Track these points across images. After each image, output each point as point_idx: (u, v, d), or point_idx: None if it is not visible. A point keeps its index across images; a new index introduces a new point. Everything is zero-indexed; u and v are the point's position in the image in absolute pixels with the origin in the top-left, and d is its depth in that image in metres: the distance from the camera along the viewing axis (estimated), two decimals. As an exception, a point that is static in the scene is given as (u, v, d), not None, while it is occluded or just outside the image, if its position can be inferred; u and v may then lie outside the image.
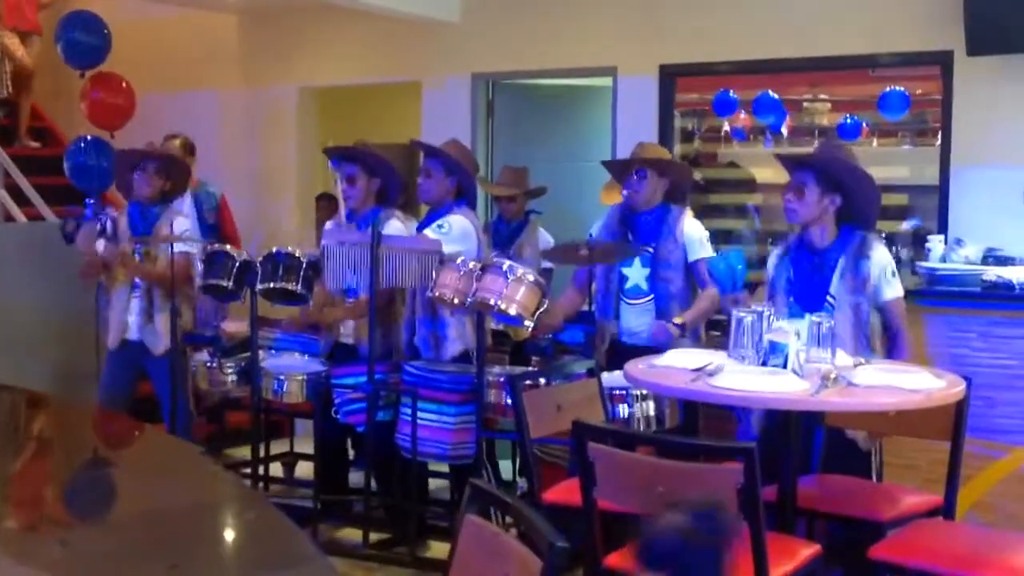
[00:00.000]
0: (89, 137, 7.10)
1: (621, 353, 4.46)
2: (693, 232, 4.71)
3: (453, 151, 5.03)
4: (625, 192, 4.77)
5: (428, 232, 4.79)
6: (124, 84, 7.23)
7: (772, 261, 4.03)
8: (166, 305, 5.25)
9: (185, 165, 5.61)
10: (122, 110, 7.18)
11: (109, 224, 5.38)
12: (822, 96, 7.11)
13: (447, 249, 4.58)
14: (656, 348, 4.35)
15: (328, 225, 5.29)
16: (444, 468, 5.27)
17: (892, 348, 3.86)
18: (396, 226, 4.97)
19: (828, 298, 3.81)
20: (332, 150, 5.26)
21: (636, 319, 4.72)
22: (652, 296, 4.70)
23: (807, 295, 3.83)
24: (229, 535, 2.28)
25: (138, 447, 2.77)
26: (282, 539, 2.14)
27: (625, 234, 4.79)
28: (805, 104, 7.19)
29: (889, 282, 3.85)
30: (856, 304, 3.80)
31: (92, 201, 5.65)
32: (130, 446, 2.81)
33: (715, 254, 4.72)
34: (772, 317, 3.33)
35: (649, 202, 4.75)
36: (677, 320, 4.54)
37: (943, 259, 5.29)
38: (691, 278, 4.73)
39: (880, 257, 3.84)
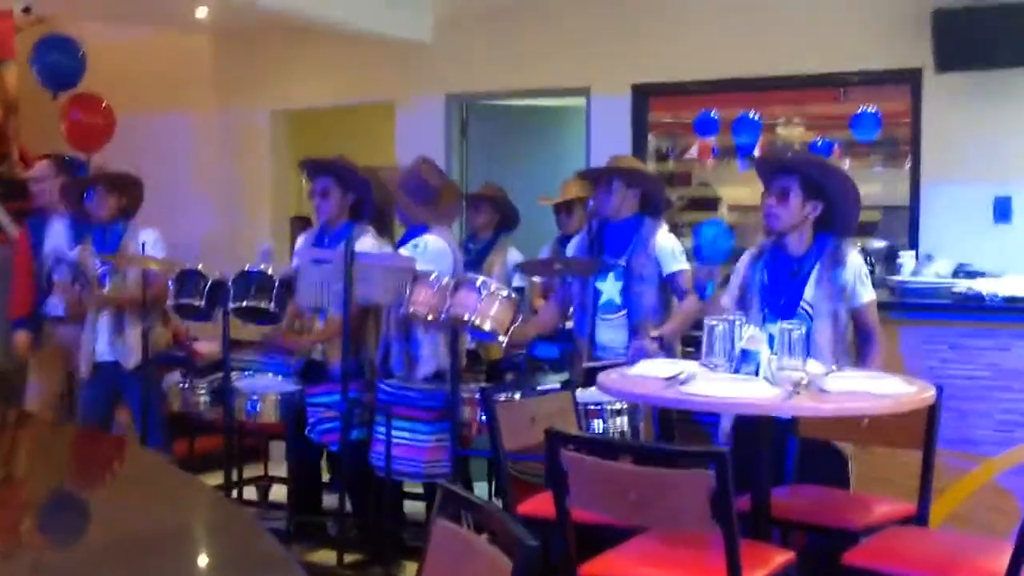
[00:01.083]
0: (66, 157, 7.06)
1: (596, 369, 4.45)
2: (666, 245, 4.70)
3: (422, 170, 5.02)
4: (593, 202, 4.78)
5: (403, 252, 4.78)
6: (103, 104, 7.20)
7: (745, 262, 4.04)
8: (137, 320, 5.22)
9: (135, 177, 5.56)
10: (101, 130, 7.15)
11: (81, 278, 5.35)
12: (796, 120, 7.18)
13: (421, 267, 4.57)
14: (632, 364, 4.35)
15: (299, 242, 5.27)
16: (419, 488, 5.24)
17: (865, 348, 3.88)
18: (369, 243, 4.95)
19: (803, 304, 3.83)
20: (307, 162, 5.24)
21: (610, 334, 4.71)
22: (625, 311, 4.70)
23: (781, 302, 3.84)
24: (205, 547, 2.25)
25: (106, 461, 2.74)
26: (258, 548, 2.12)
27: (596, 246, 4.79)
28: (780, 131, 7.25)
29: (864, 284, 3.90)
30: (834, 312, 3.83)
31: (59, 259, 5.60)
32: (97, 460, 2.78)
33: (690, 265, 4.74)
34: (743, 326, 3.33)
35: (619, 212, 4.73)
36: (653, 333, 4.52)
37: (914, 274, 5.33)
38: (666, 292, 4.73)
39: (854, 262, 3.89)
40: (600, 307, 4.74)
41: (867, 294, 3.90)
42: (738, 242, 6.91)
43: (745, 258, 4.06)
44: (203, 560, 2.17)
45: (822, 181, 3.87)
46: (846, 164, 7.09)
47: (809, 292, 3.84)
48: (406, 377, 4.78)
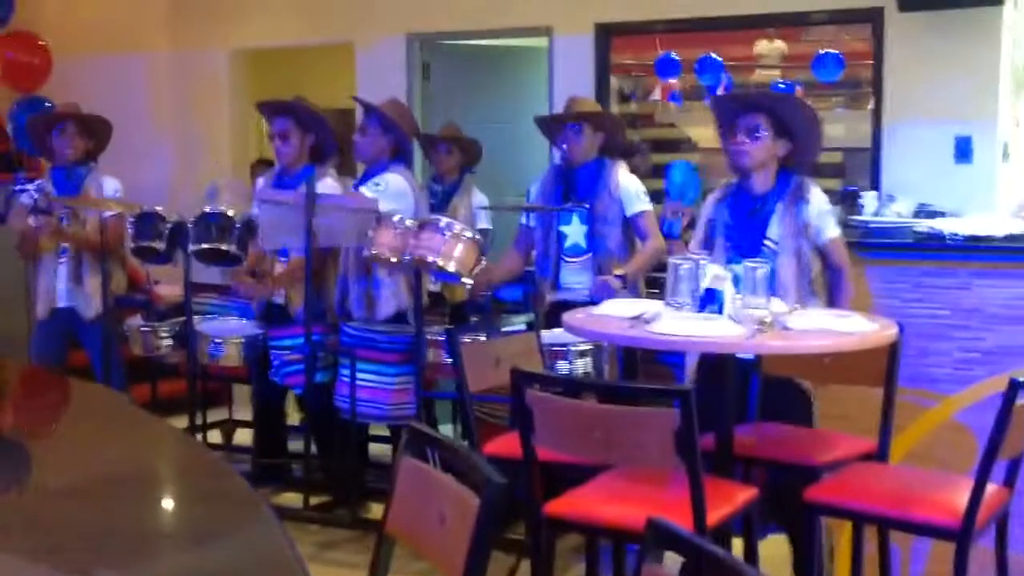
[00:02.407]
0: (26, 97, 6.92)
1: (561, 311, 4.45)
2: (629, 186, 4.70)
3: (391, 109, 4.96)
4: (564, 147, 4.75)
5: (364, 190, 4.74)
6: (40, 43, 7.00)
7: (708, 204, 4.03)
8: (96, 268, 5.14)
9: (107, 122, 5.46)
10: (38, 69, 6.96)
11: (40, 198, 5.19)
12: (765, 44, 7.13)
13: (383, 207, 4.54)
14: (596, 303, 4.35)
15: (259, 183, 5.20)
16: (384, 431, 5.24)
17: (835, 285, 3.90)
18: (330, 184, 4.90)
19: (766, 242, 3.84)
20: (265, 104, 5.17)
21: (575, 276, 4.72)
22: (591, 253, 4.70)
23: (744, 240, 3.84)
24: (171, 487, 2.22)
25: (65, 400, 2.71)
26: (225, 487, 2.10)
27: (563, 190, 4.77)
28: (760, 50, 7.16)
29: (827, 222, 3.88)
30: (798, 248, 3.82)
31: (22, 175, 5.47)
32: (58, 400, 2.75)
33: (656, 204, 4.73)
34: (707, 264, 3.33)
35: (586, 156, 4.73)
36: (618, 271, 4.53)
37: (876, 214, 5.35)
38: (630, 233, 4.73)
39: (817, 199, 3.88)
40: (565, 250, 4.74)
41: (831, 231, 3.89)
42: (706, 182, 6.94)
43: (710, 199, 4.05)
44: (169, 500, 2.15)
45: (790, 119, 3.85)
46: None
47: (773, 230, 3.84)
48: (366, 318, 4.76)
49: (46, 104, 6.84)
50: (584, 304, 4.43)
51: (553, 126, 4.89)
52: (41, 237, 5.21)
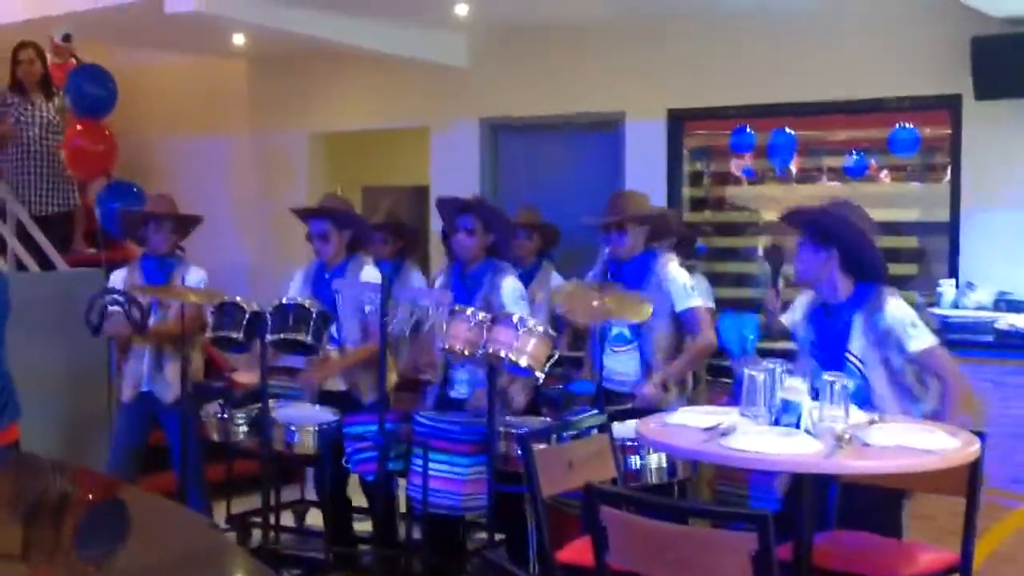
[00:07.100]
0: (114, 182, 7.09)
1: (609, 398, 4.55)
2: (678, 279, 4.68)
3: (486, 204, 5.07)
4: (607, 249, 4.79)
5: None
6: (106, 132, 7.14)
7: (793, 320, 4.04)
8: (176, 355, 5.25)
9: (199, 219, 5.62)
10: (102, 157, 7.08)
11: (135, 311, 5.28)
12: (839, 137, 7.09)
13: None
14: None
15: (295, 278, 5.34)
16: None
17: (941, 395, 3.81)
18: (371, 272, 5.05)
19: (848, 356, 3.80)
20: (300, 211, 5.34)
21: (621, 366, 4.73)
22: (636, 343, 4.70)
23: (828, 355, 3.82)
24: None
25: (139, 516, 2.76)
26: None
27: (611, 284, 4.79)
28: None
29: (911, 335, 3.77)
30: (885, 359, 3.78)
31: (113, 289, 5.58)
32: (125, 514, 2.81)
33: (710, 306, 4.72)
34: (783, 374, 3.30)
35: (631, 252, 4.76)
36: (656, 379, 4.53)
37: (955, 304, 5.27)
38: (678, 326, 4.71)
39: (895, 309, 3.81)
40: (611, 340, 4.75)
41: (918, 342, 3.77)
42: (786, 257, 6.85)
43: (794, 316, 4.04)
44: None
45: (828, 230, 3.84)
46: (883, 177, 6.98)
47: (855, 344, 3.80)
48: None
49: (133, 188, 7.00)
50: (628, 395, 4.51)
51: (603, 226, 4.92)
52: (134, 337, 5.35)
